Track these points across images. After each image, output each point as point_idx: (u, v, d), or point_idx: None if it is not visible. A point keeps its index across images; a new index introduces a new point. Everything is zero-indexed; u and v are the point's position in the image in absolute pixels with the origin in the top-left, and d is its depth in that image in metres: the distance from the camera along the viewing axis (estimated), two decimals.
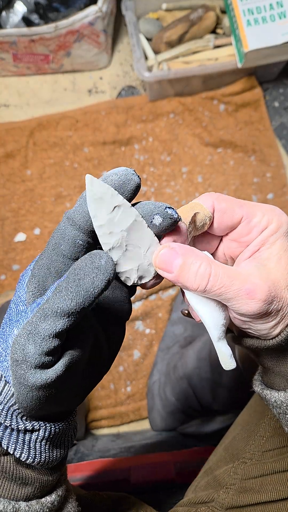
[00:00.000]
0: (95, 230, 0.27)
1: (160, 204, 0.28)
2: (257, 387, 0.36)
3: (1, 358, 0.27)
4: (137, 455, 0.74)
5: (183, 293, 0.33)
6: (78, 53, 1.00)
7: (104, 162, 1.01)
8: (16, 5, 0.94)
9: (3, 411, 0.26)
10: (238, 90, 1.02)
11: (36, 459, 0.28)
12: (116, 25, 1.08)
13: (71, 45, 0.97)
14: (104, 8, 0.91)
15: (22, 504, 0.30)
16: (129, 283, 0.30)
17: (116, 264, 0.29)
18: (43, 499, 0.31)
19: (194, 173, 1.01)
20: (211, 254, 0.34)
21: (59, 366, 0.25)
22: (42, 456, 0.29)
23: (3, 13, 0.94)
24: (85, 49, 1.00)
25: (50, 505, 0.31)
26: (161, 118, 1.03)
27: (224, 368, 0.32)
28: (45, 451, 0.29)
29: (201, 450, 0.72)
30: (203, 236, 0.33)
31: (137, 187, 0.28)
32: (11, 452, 0.28)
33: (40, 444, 0.28)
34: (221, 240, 0.34)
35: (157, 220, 0.28)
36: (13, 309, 0.28)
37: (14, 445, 0.27)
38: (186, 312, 0.36)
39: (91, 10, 0.91)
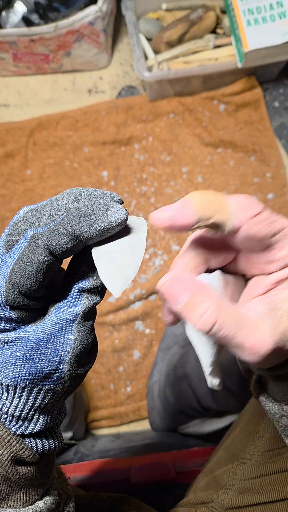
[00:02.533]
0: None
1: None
2: (254, 391, 0.35)
3: None
4: (137, 455, 0.74)
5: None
6: (78, 53, 1.00)
7: (104, 162, 1.01)
8: (16, 5, 0.94)
9: None
10: (238, 90, 1.02)
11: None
12: (116, 25, 1.08)
13: (71, 45, 0.97)
14: (104, 8, 0.91)
15: (40, 504, 0.30)
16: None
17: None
18: (44, 499, 0.31)
19: (194, 173, 1.01)
20: (222, 267, 0.31)
21: None
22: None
23: (3, 13, 0.94)
24: (85, 49, 0.99)
25: (53, 506, 0.31)
26: (161, 118, 1.03)
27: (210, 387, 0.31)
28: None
29: (201, 450, 0.72)
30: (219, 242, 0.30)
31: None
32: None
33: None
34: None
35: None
36: None
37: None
38: (169, 322, 0.34)
39: (91, 10, 0.91)
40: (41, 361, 0.25)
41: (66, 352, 0.25)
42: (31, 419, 0.27)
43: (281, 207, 0.99)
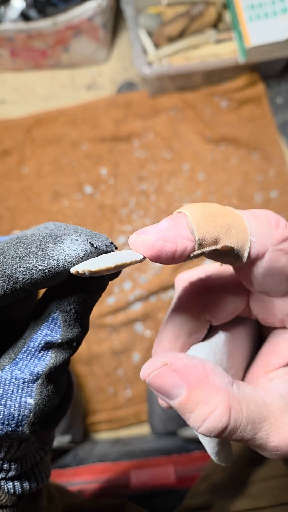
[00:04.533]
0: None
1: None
2: None
3: None
4: (137, 459, 0.73)
5: None
6: (76, 48, 0.99)
7: (103, 160, 0.99)
8: (14, 0, 0.92)
9: None
10: (240, 86, 1.01)
11: None
12: (116, 20, 1.06)
13: (70, 40, 0.96)
14: (104, 3, 0.90)
15: None
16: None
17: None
18: None
19: (196, 171, 0.99)
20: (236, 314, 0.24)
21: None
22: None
23: (1, 8, 0.92)
24: (84, 44, 0.98)
25: None
26: (161, 115, 1.01)
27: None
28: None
29: (202, 454, 0.71)
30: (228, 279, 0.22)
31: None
32: None
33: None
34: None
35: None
36: None
37: None
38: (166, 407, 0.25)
39: (90, 5, 0.89)
40: None
41: (25, 417, 0.20)
42: (0, 469, 0.23)
43: (285, 206, 0.97)
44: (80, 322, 0.20)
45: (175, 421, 0.80)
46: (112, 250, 0.20)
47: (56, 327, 0.20)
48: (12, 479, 0.24)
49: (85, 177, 0.98)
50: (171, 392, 0.19)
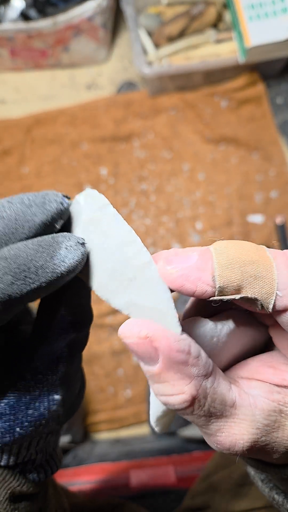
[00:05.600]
0: None
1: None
2: (264, 486, 0.28)
3: None
4: (137, 459, 0.73)
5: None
6: (76, 48, 0.99)
7: (103, 159, 0.99)
8: (14, 0, 0.92)
9: None
10: (240, 86, 1.01)
11: None
12: (116, 19, 1.06)
13: (70, 40, 0.95)
14: (103, 3, 0.90)
15: None
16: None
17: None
18: None
19: (196, 171, 0.99)
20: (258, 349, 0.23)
21: None
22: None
23: (1, 8, 0.92)
24: (83, 44, 0.98)
25: None
26: (161, 114, 1.01)
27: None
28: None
29: (201, 454, 0.71)
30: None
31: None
32: None
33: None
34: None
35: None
36: None
37: None
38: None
39: (90, 4, 0.89)
40: None
41: (54, 412, 0.22)
42: (28, 461, 0.25)
43: (285, 205, 0.97)
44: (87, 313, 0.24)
45: (175, 421, 0.80)
46: (67, 204, 0.20)
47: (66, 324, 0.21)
48: (35, 468, 0.25)
49: (85, 177, 0.98)
50: (144, 360, 0.19)
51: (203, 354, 0.19)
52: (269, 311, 0.18)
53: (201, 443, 0.79)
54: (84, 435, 0.86)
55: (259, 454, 0.20)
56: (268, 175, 0.99)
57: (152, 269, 0.18)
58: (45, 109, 1.02)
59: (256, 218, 0.95)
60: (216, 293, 0.18)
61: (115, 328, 0.90)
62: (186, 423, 0.80)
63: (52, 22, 0.89)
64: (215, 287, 0.17)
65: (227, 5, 0.95)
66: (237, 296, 0.17)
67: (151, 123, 1.01)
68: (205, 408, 0.19)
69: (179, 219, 0.96)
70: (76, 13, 0.89)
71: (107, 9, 0.93)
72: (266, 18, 0.88)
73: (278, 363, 0.21)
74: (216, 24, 0.97)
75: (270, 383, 0.20)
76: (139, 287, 0.19)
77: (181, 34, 0.95)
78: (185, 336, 0.18)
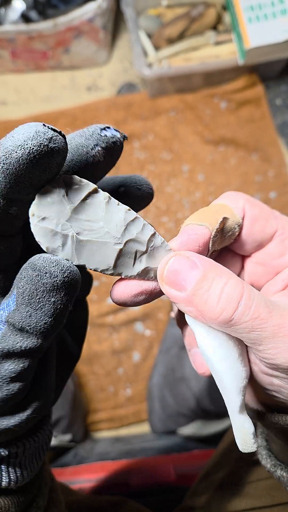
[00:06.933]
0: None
1: (91, 130, 0.20)
2: (266, 462, 0.28)
3: None
4: (137, 458, 0.73)
5: (180, 324, 0.26)
6: (77, 50, 0.99)
7: None
8: (14, 2, 0.92)
9: None
10: (240, 87, 1.01)
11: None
12: (116, 21, 1.06)
13: (70, 42, 0.96)
14: (104, 4, 0.90)
15: None
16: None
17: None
18: None
19: (195, 172, 0.99)
20: None
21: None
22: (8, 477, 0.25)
23: (2, 10, 0.93)
24: (84, 46, 0.98)
25: None
26: (161, 116, 1.02)
27: (241, 449, 0.23)
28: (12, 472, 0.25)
29: (201, 453, 0.71)
30: (222, 255, 0.26)
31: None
32: None
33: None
34: (243, 264, 0.27)
35: (96, 152, 0.20)
36: None
37: None
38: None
39: (91, 6, 0.89)
40: None
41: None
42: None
43: (283, 206, 0.97)
44: None
45: (174, 420, 0.81)
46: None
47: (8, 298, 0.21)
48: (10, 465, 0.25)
49: None
50: (186, 278, 0.20)
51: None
52: (235, 237, 0.24)
53: (200, 441, 0.79)
54: (85, 434, 0.86)
55: None
56: (267, 176, 0.99)
57: (158, 239, 0.22)
58: (46, 111, 1.02)
59: None
60: (212, 233, 0.22)
61: (115, 327, 0.91)
62: (186, 422, 0.80)
63: (52, 23, 0.90)
64: (210, 228, 0.22)
65: (226, 7, 0.96)
66: (216, 228, 0.22)
67: (151, 124, 1.01)
68: (256, 299, 0.20)
69: (179, 220, 0.97)
70: (77, 15, 0.90)
71: (107, 11, 0.93)
72: (265, 20, 0.88)
73: (269, 285, 0.25)
74: (215, 26, 0.98)
75: (280, 291, 0.24)
76: (151, 256, 0.22)
77: (181, 36, 0.95)
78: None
